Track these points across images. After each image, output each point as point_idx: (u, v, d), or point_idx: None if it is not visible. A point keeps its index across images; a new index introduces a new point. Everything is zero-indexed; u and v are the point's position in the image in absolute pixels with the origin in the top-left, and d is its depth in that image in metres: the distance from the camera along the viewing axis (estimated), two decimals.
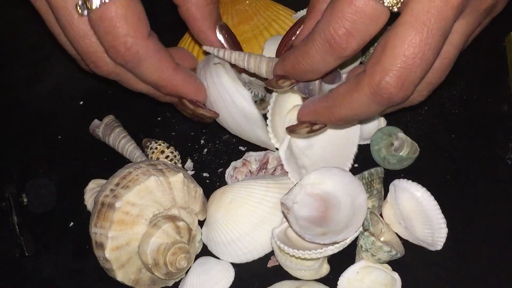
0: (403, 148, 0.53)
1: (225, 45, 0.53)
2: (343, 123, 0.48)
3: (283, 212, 0.49)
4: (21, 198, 0.56)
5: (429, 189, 0.52)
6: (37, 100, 0.65)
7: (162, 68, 0.49)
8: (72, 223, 0.56)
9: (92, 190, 0.56)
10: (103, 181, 0.56)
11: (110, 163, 0.59)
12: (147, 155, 0.57)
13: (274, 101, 0.54)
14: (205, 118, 0.53)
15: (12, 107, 0.66)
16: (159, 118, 0.61)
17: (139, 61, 0.48)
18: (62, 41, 0.51)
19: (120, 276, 0.49)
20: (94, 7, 0.46)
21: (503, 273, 0.49)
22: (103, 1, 0.46)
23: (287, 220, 0.48)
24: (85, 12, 0.47)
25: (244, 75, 0.58)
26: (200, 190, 0.52)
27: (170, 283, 0.51)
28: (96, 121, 0.60)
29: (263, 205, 0.51)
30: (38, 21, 0.64)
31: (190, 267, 0.51)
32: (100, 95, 0.64)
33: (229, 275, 0.51)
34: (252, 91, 0.56)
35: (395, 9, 0.43)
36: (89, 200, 0.56)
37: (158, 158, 0.56)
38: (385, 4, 0.42)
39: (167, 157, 0.56)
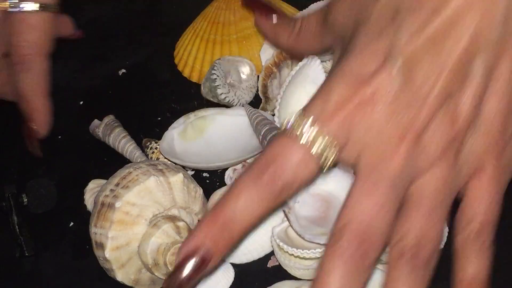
0: None
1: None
2: None
3: (284, 211, 0.49)
4: (21, 198, 0.56)
5: None
6: None
7: (38, 88, 0.57)
8: (72, 223, 0.56)
9: (92, 190, 0.56)
10: (103, 181, 0.56)
11: (110, 163, 0.59)
12: (147, 155, 0.57)
13: (282, 96, 0.54)
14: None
15: (12, 107, 0.65)
16: (159, 118, 0.61)
17: (29, 70, 0.56)
18: None
19: (120, 276, 0.49)
20: (24, 9, 0.55)
21: (503, 273, 0.49)
22: (35, 8, 0.55)
23: (288, 219, 0.48)
24: (15, 9, 0.55)
25: (230, 79, 0.59)
26: (200, 190, 0.52)
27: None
28: (96, 121, 0.60)
29: None
30: None
31: None
32: (100, 95, 0.64)
33: (229, 275, 0.51)
34: (226, 97, 0.56)
35: (324, 166, 0.40)
36: (89, 200, 0.56)
37: (158, 158, 0.56)
38: (321, 160, 0.39)
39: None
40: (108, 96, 0.64)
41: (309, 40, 0.50)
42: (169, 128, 0.57)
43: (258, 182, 0.39)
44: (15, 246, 0.54)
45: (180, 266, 0.39)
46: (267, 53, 0.60)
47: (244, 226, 0.39)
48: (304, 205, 0.48)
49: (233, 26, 0.62)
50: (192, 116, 0.56)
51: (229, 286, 0.50)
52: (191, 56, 0.63)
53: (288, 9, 0.64)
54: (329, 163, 0.40)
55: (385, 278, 0.41)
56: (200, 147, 0.54)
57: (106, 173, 0.58)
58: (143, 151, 0.58)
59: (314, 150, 0.39)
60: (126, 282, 0.49)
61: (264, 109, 0.58)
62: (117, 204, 0.48)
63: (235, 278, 0.51)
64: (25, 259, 0.54)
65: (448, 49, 0.38)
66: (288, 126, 0.40)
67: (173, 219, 0.49)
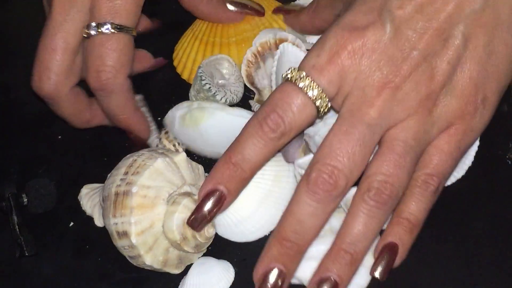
0: None
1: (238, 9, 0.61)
2: (290, 242, 0.45)
3: (305, 140, 0.50)
4: (21, 198, 0.56)
5: None
6: (37, 100, 0.65)
7: (127, 105, 0.56)
8: (72, 223, 0.56)
9: (88, 194, 0.56)
10: (96, 185, 0.56)
11: (110, 163, 0.59)
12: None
13: (273, 87, 0.55)
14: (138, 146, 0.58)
15: (12, 107, 0.66)
16: (159, 118, 0.61)
17: (111, 92, 0.55)
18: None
19: (149, 260, 0.49)
20: (103, 31, 0.53)
21: (503, 273, 0.49)
22: (112, 30, 0.53)
23: (309, 149, 0.50)
24: (92, 33, 0.53)
25: (217, 81, 0.58)
26: (201, 168, 0.54)
27: (194, 259, 0.52)
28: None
29: (265, 180, 0.52)
30: (38, 21, 0.64)
31: (190, 266, 0.51)
32: None
33: (229, 275, 0.51)
34: (226, 99, 0.56)
35: (321, 110, 0.46)
36: (87, 204, 0.56)
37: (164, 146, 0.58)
38: (309, 95, 0.45)
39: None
40: None
41: (323, 12, 0.56)
42: (174, 108, 0.57)
43: (262, 126, 0.45)
44: (15, 246, 0.54)
45: (201, 204, 0.47)
46: None
47: (253, 166, 0.46)
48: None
49: (232, 29, 0.62)
50: (195, 104, 0.56)
51: (229, 286, 0.51)
52: (190, 58, 0.63)
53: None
54: (323, 109, 0.46)
55: (347, 212, 0.45)
56: (195, 136, 0.55)
57: (106, 173, 0.58)
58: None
59: (310, 95, 0.45)
60: (156, 264, 0.50)
61: (260, 101, 0.58)
62: (134, 190, 0.49)
63: (235, 278, 0.51)
64: (25, 259, 0.54)
65: (434, 13, 0.44)
66: (287, 77, 0.46)
67: (188, 194, 0.50)
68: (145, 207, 0.49)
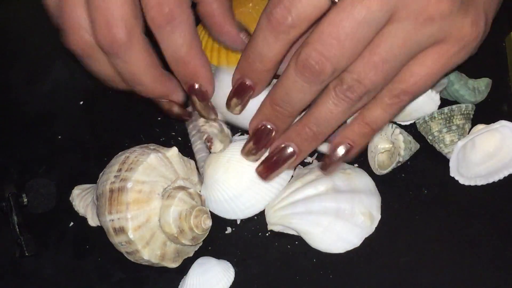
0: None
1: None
2: (279, 107, 0.49)
3: None
4: (21, 198, 0.56)
5: (428, 188, 0.53)
6: (37, 100, 0.65)
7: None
8: (72, 223, 0.56)
9: (79, 195, 0.56)
10: (87, 186, 0.56)
11: None
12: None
13: None
14: (177, 116, 0.54)
15: (12, 107, 0.66)
16: (159, 118, 0.61)
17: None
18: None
19: (147, 255, 0.49)
20: None
21: (503, 273, 0.49)
22: None
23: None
24: None
25: (197, 123, 0.57)
26: (192, 162, 0.54)
27: (191, 252, 0.52)
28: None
29: (259, 160, 0.52)
30: (38, 21, 0.64)
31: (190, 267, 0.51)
32: (100, 95, 0.64)
33: (229, 275, 0.51)
34: (204, 143, 0.55)
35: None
36: (80, 204, 0.55)
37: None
38: None
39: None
40: (108, 96, 0.64)
41: None
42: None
43: (270, 20, 0.45)
44: (15, 246, 0.54)
45: (233, 91, 0.50)
46: None
47: (271, 60, 0.47)
48: None
49: None
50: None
51: (229, 286, 0.51)
52: None
53: None
54: None
55: (318, 99, 0.47)
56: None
57: None
58: None
59: None
60: (153, 259, 0.50)
61: None
62: (129, 185, 0.49)
63: (235, 278, 0.51)
64: (25, 259, 0.54)
65: None
66: None
67: (183, 188, 0.51)
68: (140, 202, 0.49)
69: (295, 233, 0.52)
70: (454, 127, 0.53)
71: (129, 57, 0.48)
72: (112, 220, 0.49)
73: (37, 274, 0.54)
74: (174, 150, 0.52)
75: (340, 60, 0.45)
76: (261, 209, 0.53)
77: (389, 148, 0.53)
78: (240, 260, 0.52)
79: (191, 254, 0.52)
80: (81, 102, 0.64)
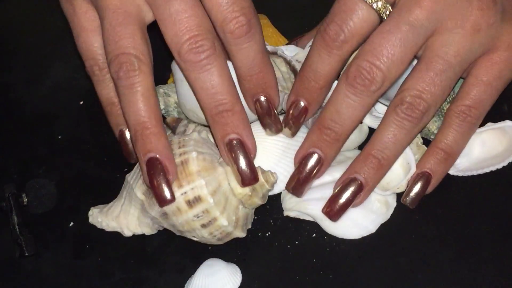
0: None
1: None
2: (329, 129, 0.48)
3: None
4: (21, 198, 0.56)
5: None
6: (37, 100, 0.65)
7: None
8: (72, 223, 0.56)
9: (102, 212, 0.53)
10: (101, 206, 0.54)
11: (110, 163, 0.59)
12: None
13: None
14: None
15: (12, 107, 0.66)
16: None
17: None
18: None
19: (225, 220, 0.49)
20: None
21: (503, 273, 0.49)
22: None
23: None
24: None
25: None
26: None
27: (251, 220, 0.52)
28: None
29: (282, 137, 0.53)
30: (38, 21, 0.64)
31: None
32: None
33: (236, 279, 0.50)
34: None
35: (384, 16, 0.46)
36: (107, 218, 0.53)
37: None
38: (373, 7, 0.46)
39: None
40: None
41: None
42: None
43: (324, 38, 0.46)
44: (15, 246, 0.54)
45: (288, 113, 0.50)
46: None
47: (325, 78, 0.48)
48: None
49: None
50: None
51: None
52: None
53: (280, 39, 0.63)
54: (383, 11, 0.46)
55: (380, 124, 0.48)
56: None
57: (106, 173, 0.58)
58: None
59: (372, 4, 0.46)
60: (230, 225, 0.49)
61: None
62: (193, 155, 0.49)
63: (242, 282, 0.51)
64: (25, 259, 0.54)
65: None
66: None
67: None
68: (208, 169, 0.49)
69: (310, 219, 0.52)
70: (438, 112, 0.53)
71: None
72: (185, 193, 0.48)
73: (37, 274, 0.54)
74: (205, 133, 0.52)
75: (391, 68, 0.46)
76: (281, 189, 0.53)
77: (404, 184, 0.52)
78: (240, 260, 0.52)
79: (252, 220, 0.52)
80: (81, 102, 0.64)
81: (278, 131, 0.52)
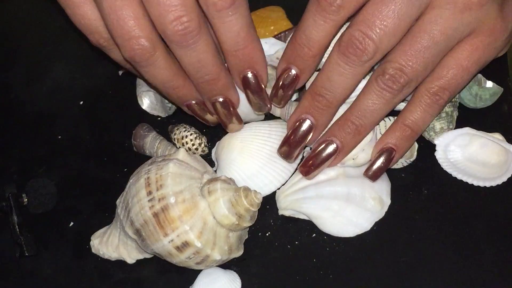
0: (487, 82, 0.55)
1: None
2: (320, 96, 0.49)
3: None
4: (21, 198, 0.56)
5: (429, 187, 0.53)
6: (37, 100, 0.65)
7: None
8: (72, 223, 0.56)
9: (102, 243, 0.53)
10: (101, 230, 0.54)
11: (110, 163, 0.59)
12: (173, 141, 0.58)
13: None
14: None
15: (12, 107, 0.66)
16: (159, 118, 0.61)
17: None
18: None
19: (218, 255, 0.49)
20: None
21: (504, 273, 0.49)
22: None
23: None
24: None
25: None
26: (199, 156, 0.54)
27: (246, 234, 0.52)
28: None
29: (272, 138, 0.53)
30: (38, 21, 0.64)
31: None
32: (100, 95, 0.64)
33: (236, 285, 0.50)
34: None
35: None
36: (108, 250, 0.53)
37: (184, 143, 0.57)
38: None
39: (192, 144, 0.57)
40: (108, 96, 0.64)
41: None
42: None
43: (320, 2, 0.45)
44: (15, 246, 0.54)
45: (278, 82, 0.50)
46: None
47: (318, 44, 0.47)
48: None
49: None
50: None
51: None
52: None
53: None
54: None
55: (360, 92, 0.48)
56: None
57: (106, 173, 0.58)
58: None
59: None
60: (224, 256, 0.49)
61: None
62: (172, 200, 0.48)
63: (242, 281, 0.51)
64: (25, 259, 0.54)
65: None
66: None
67: (214, 179, 0.50)
68: (190, 209, 0.48)
69: (306, 218, 0.53)
70: (443, 114, 0.53)
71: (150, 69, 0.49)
72: (172, 240, 0.48)
73: (37, 274, 0.54)
74: (182, 151, 0.51)
75: (383, 39, 0.46)
76: (278, 186, 0.54)
77: None
78: (240, 260, 0.52)
79: (247, 236, 0.52)
80: (81, 102, 0.64)
81: (267, 109, 0.52)
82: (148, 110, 0.61)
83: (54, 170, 0.60)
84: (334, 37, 0.48)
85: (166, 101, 0.59)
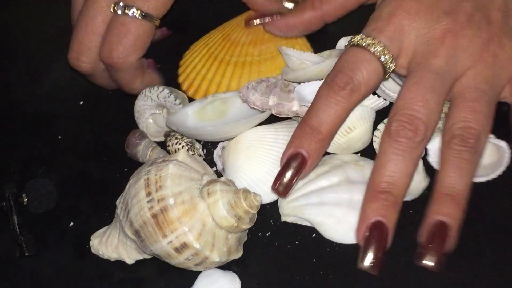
0: None
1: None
2: (385, 193, 0.46)
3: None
4: (21, 198, 0.56)
5: (428, 188, 0.53)
6: (37, 100, 0.65)
7: (132, 81, 0.58)
8: (72, 223, 0.56)
9: (101, 243, 0.53)
10: (100, 231, 0.54)
11: (110, 163, 0.59)
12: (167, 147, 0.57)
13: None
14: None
15: (12, 107, 0.66)
16: None
17: (119, 70, 0.57)
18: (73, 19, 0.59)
19: (217, 256, 0.49)
20: (128, 13, 0.55)
21: (504, 273, 0.49)
22: (136, 15, 0.55)
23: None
24: (118, 12, 0.55)
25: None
26: (199, 157, 0.54)
27: (246, 236, 0.52)
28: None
29: (278, 143, 0.53)
30: (38, 21, 0.64)
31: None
32: (100, 95, 0.64)
33: (236, 285, 0.50)
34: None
35: (388, 69, 0.48)
36: (107, 250, 0.53)
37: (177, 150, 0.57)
38: (381, 59, 0.48)
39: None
40: (108, 96, 0.64)
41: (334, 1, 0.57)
42: (180, 110, 0.57)
43: (332, 87, 0.47)
44: (15, 246, 0.54)
45: (284, 169, 0.48)
46: (290, 76, 0.56)
47: (329, 127, 0.47)
48: None
49: (238, 49, 0.61)
50: (210, 97, 0.57)
51: None
52: (200, 75, 0.61)
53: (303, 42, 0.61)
54: (388, 65, 0.48)
55: (439, 162, 0.48)
56: (217, 127, 0.54)
57: (106, 173, 0.58)
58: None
59: (373, 51, 0.47)
60: (223, 258, 0.49)
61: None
62: (171, 201, 0.48)
63: (242, 281, 0.51)
64: (25, 259, 0.54)
65: None
66: (350, 42, 0.49)
67: (213, 181, 0.50)
68: (189, 211, 0.48)
69: (308, 224, 0.52)
70: (442, 115, 0.53)
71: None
72: (171, 242, 0.48)
73: (37, 274, 0.54)
74: (183, 152, 0.51)
75: (430, 115, 0.46)
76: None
77: None
78: (240, 260, 0.52)
79: (246, 238, 0.52)
80: (81, 102, 0.64)
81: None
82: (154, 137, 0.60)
83: (54, 170, 0.60)
84: (343, 122, 0.49)
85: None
